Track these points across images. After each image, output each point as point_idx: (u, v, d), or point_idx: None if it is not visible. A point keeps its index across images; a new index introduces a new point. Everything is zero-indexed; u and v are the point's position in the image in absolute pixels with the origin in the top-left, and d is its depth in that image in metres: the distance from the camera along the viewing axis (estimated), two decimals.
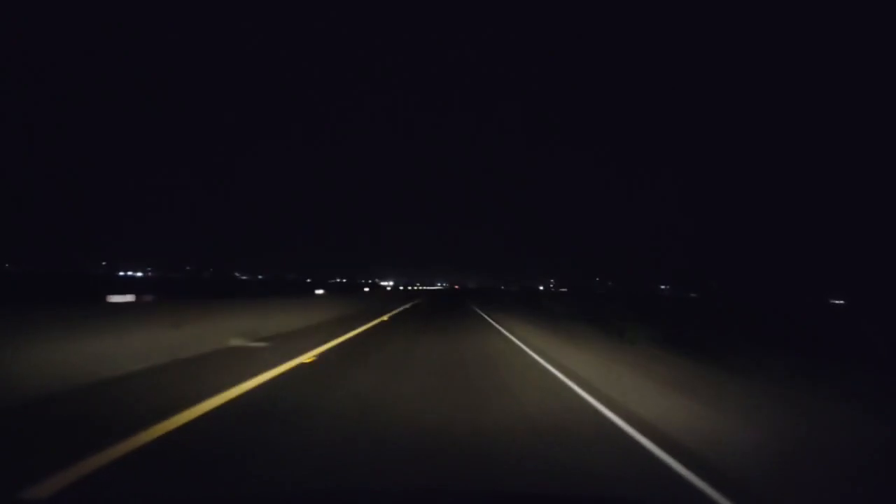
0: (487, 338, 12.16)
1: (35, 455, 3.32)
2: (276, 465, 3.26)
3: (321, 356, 7.97)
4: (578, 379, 6.77)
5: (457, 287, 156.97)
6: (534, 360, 8.71)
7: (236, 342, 8.59)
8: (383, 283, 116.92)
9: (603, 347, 10.81)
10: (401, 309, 23.81)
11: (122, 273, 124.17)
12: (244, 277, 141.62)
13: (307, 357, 7.71)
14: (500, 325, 16.41)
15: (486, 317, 20.59)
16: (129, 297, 10.39)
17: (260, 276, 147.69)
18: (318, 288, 44.65)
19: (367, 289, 59.05)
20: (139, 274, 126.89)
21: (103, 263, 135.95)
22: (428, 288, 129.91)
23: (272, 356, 7.46)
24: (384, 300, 29.65)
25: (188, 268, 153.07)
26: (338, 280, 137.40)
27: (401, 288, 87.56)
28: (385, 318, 17.34)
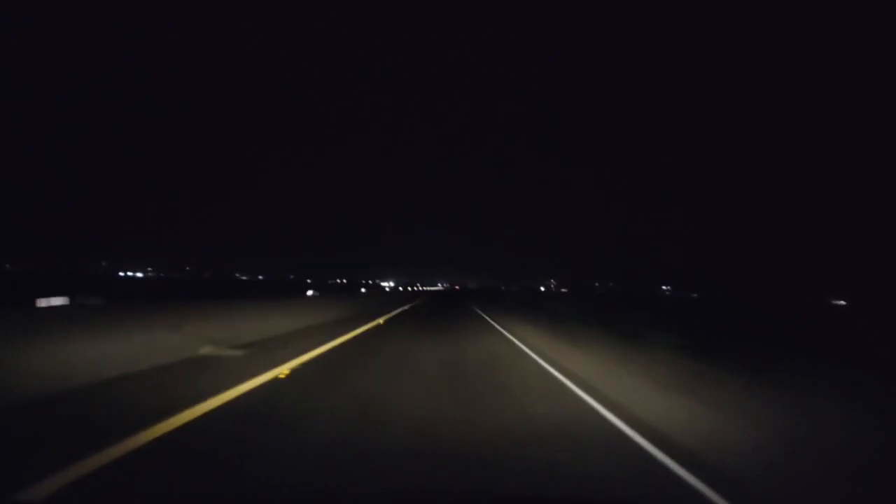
0: (490, 345, 11.23)
1: None
2: None
3: (295, 371, 6.90)
4: (605, 400, 5.73)
5: (457, 287, 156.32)
6: (535, 361, 8.48)
7: (188, 354, 7.55)
8: (383, 284, 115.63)
9: (636, 359, 9.73)
10: (397, 311, 22.79)
11: (122, 273, 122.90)
12: (244, 278, 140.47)
13: (282, 371, 6.65)
14: (501, 326, 16.11)
15: (486, 318, 20.04)
16: (62, 300, 9.34)
17: (260, 277, 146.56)
18: (314, 289, 43.49)
19: (363, 290, 57.67)
20: (139, 274, 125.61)
21: (103, 264, 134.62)
22: (428, 288, 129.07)
23: (248, 366, 6.40)
24: (381, 302, 28.52)
25: (188, 268, 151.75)
26: (338, 280, 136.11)
27: (400, 288, 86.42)
28: (381, 321, 16.37)
